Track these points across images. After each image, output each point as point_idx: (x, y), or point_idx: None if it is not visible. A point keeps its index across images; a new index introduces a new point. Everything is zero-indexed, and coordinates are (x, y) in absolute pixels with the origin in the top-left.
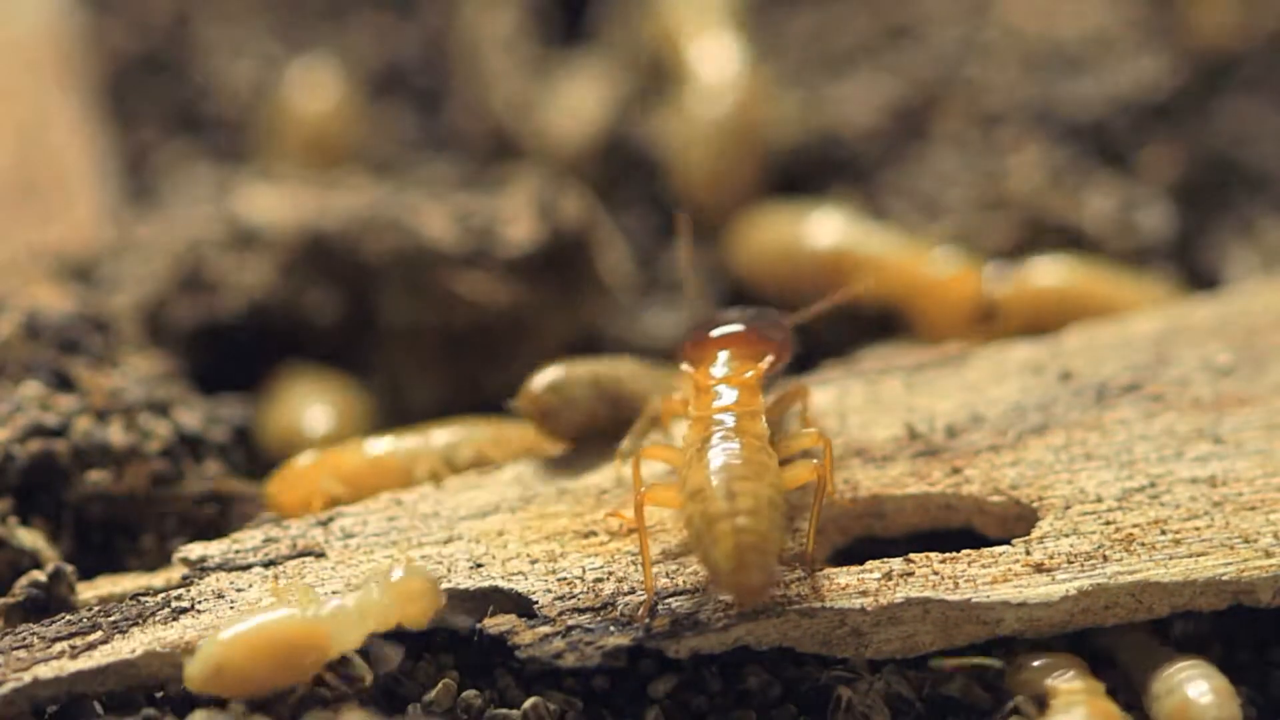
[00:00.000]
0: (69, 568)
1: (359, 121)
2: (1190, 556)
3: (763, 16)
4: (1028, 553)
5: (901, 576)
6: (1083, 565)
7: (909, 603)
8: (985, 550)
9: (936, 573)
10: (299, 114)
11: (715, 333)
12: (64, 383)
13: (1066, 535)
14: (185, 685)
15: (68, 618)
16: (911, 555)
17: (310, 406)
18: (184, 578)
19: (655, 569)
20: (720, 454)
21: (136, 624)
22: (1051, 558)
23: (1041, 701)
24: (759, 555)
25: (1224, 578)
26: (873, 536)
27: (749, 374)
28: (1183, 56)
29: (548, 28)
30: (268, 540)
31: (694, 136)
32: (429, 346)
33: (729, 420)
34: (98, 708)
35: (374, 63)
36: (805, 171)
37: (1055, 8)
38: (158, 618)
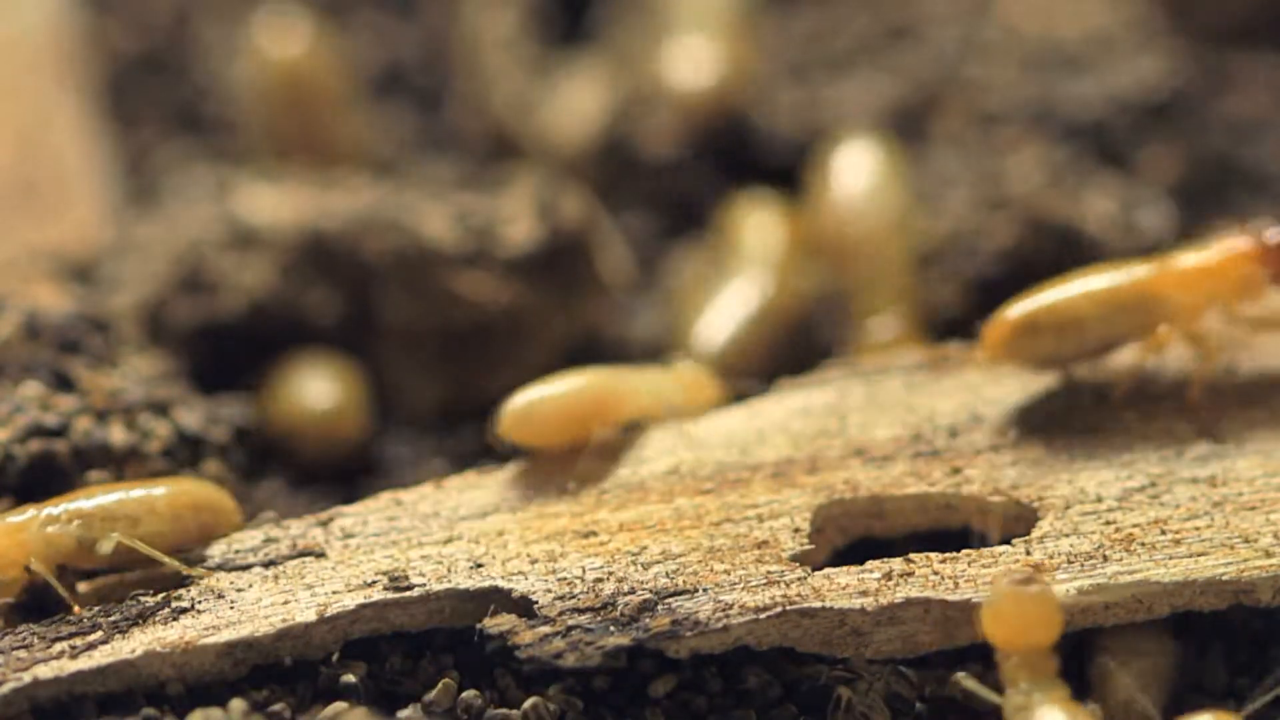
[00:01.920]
0: (69, 568)
1: (334, 66)
2: (1190, 556)
3: (763, 16)
4: (1028, 553)
5: (902, 576)
6: (1083, 565)
7: (909, 603)
8: (985, 550)
9: (937, 573)
10: (269, 61)
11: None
12: (64, 383)
13: (1066, 535)
14: (499, 432)
15: (68, 618)
16: (912, 555)
17: (313, 383)
18: (184, 578)
19: (656, 569)
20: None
21: (136, 624)
22: (1051, 558)
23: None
24: None
25: (1224, 577)
26: (873, 537)
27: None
28: (1182, 57)
29: (548, 28)
30: (267, 540)
31: None
32: (429, 346)
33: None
34: (97, 708)
35: (374, 63)
36: (805, 171)
37: (1055, 8)
38: (158, 618)
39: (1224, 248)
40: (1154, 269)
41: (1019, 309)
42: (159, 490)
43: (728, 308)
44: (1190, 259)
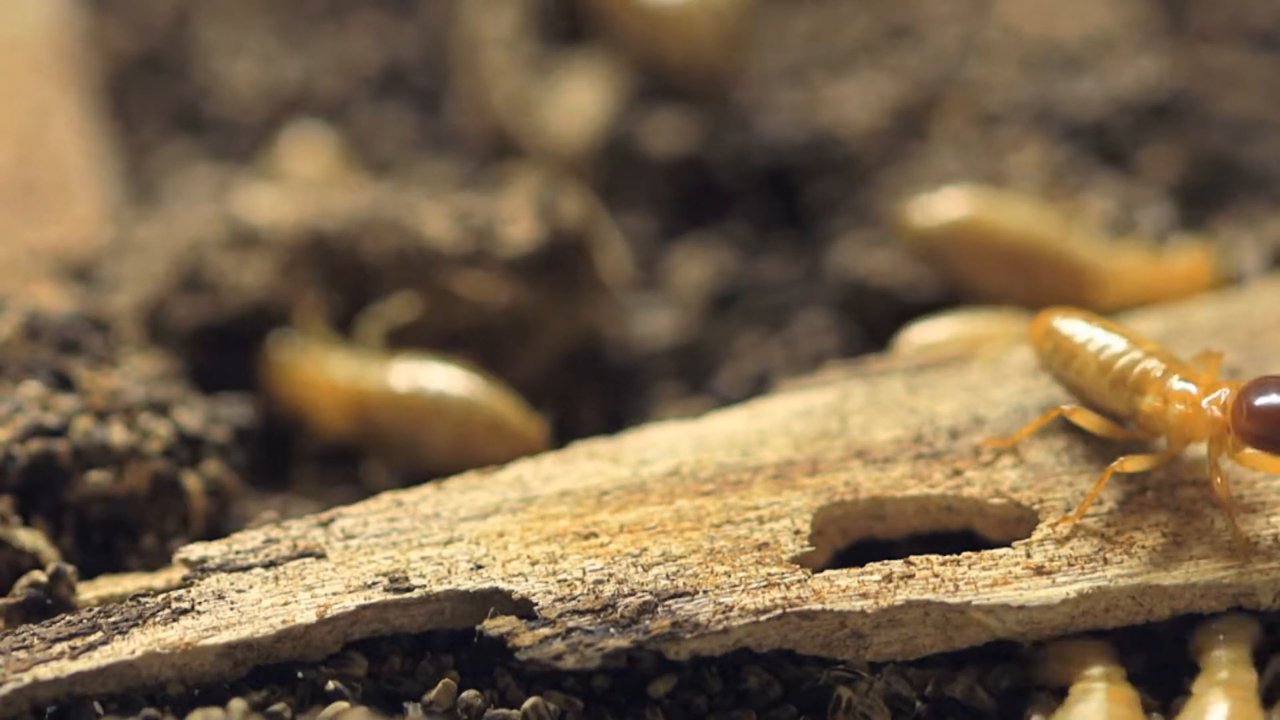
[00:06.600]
0: (69, 568)
1: (355, 182)
2: (1191, 559)
3: (763, 17)
4: (1028, 555)
5: (902, 579)
6: (1083, 568)
7: (909, 605)
8: (986, 552)
9: (937, 575)
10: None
11: None
12: (64, 383)
13: (1067, 537)
14: None
15: (68, 618)
16: (912, 557)
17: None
18: (184, 578)
19: (656, 570)
20: None
21: (136, 625)
22: (1052, 560)
23: (1063, 692)
24: None
25: (1224, 580)
26: (873, 538)
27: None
28: (1182, 57)
29: (548, 27)
30: (268, 541)
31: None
32: (429, 347)
33: None
34: (97, 708)
35: (374, 63)
36: (805, 171)
37: (1055, 8)
38: (158, 618)
39: (1220, 396)
40: (1164, 376)
41: (1058, 313)
42: None
43: None
44: (1193, 388)
